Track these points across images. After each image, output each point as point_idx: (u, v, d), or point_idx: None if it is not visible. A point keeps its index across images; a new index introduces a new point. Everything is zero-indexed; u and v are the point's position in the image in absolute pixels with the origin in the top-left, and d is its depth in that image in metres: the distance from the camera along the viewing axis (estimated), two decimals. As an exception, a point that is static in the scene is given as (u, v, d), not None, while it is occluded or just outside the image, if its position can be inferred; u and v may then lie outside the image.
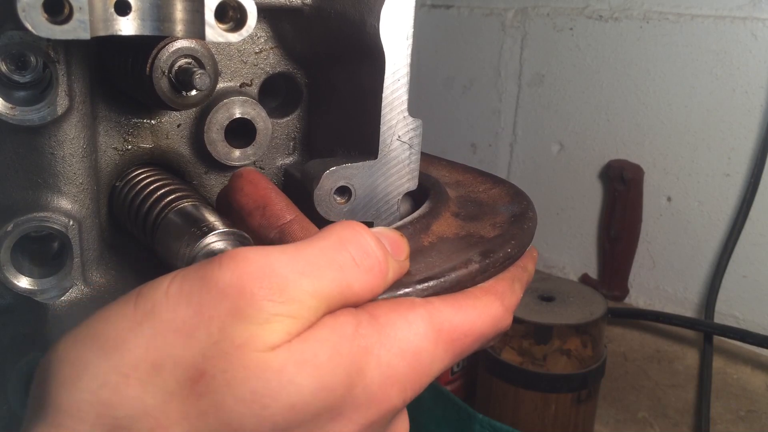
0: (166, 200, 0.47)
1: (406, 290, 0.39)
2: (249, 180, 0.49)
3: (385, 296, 0.38)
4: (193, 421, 0.29)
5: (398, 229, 0.46)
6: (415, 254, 0.44)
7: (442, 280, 0.40)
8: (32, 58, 0.42)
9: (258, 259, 0.32)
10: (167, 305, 0.30)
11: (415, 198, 0.52)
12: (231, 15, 0.39)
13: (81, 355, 0.29)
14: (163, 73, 0.44)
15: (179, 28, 0.38)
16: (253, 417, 0.29)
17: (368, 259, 0.35)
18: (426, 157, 0.59)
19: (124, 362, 0.29)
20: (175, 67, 0.45)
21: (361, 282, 0.35)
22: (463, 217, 0.50)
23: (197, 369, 0.29)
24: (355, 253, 0.35)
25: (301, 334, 0.32)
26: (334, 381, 0.32)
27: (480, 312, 0.39)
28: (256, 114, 0.51)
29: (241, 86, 0.54)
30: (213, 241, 0.42)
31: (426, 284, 0.40)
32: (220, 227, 0.42)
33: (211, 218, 0.44)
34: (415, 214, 0.49)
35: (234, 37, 0.39)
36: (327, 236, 0.35)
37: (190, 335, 0.30)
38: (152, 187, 0.49)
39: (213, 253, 0.42)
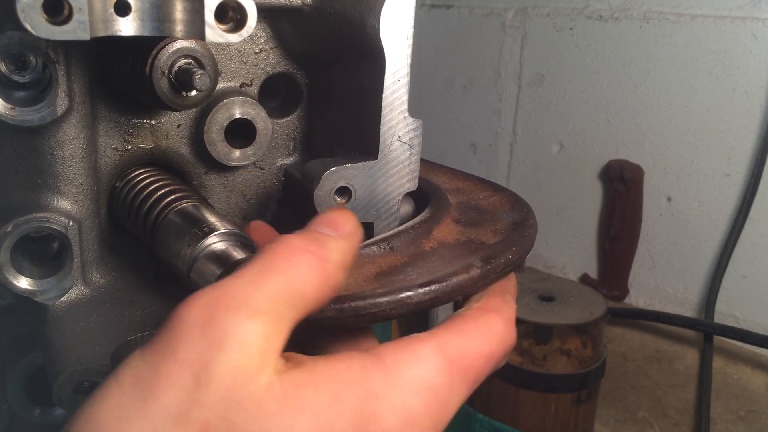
0: (166, 200, 0.47)
1: (408, 293, 0.39)
2: (255, 230, 0.49)
3: (386, 299, 0.38)
4: None
5: (399, 234, 0.46)
6: (416, 259, 0.44)
7: (443, 284, 0.40)
8: (32, 59, 0.42)
9: (210, 292, 0.32)
10: (148, 372, 0.30)
11: (417, 203, 0.52)
12: (231, 15, 0.39)
13: None
14: (163, 73, 0.44)
15: (179, 28, 0.38)
16: None
17: (296, 252, 0.35)
18: (426, 164, 0.59)
19: None
20: (175, 67, 0.45)
21: (302, 273, 0.34)
22: (464, 224, 0.50)
23: (201, 424, 0.29)
24: (284, 253, 0.34)
25: (296, 381, 0.31)
26: (341, 427, 0.31)
27: (484, 333, 0.39)
28: (256, 114, 0.51)
29: (241, 86, 0.54)
30: (214, 241, 0.42)
31: (428, 288, 0.40)
32: (221, 228, 0.42)
33: (212, 219, 0.44)
34: (417, 219, 0.49)
35: (234, 38, 0.39)
36: (258, 255, 0.35)
37: (182, 394, 0.29)
38: (152, 187, 0.49)
39: (214, 254, 0.42)
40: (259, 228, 0.50)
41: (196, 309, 0.31)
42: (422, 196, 0.52)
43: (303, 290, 0.34)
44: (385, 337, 0.85)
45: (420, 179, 0.51)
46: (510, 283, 0.45)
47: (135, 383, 0.30)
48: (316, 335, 0.42)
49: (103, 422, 0.29)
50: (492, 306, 0.41)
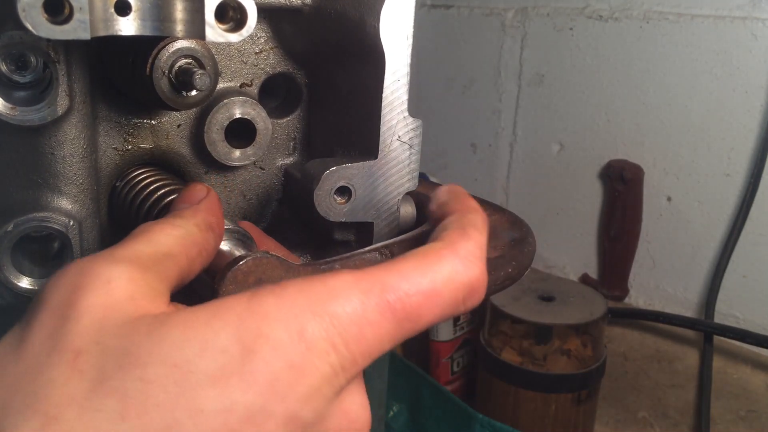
0: (166, 200, 0.47)
1: None
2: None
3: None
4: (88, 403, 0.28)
5: (401, 242, 0.46)
6: None
7: None
8: (32, 58, 0.42)
9: (73, 265, 0.33)
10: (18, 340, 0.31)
11: (418, 219, 0.52)
12: (231, 15, 0.39)
13: None
14: (164, 73, 0.44)
15: (179, 28, 0.38)
16: (138, 382, 0.28)
17: (155, 225, 0.37)
18: (427, 184, 0.60)
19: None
20: (176, 67, 0.45)
21: (162, 238, 0.35)
22: None
23: (74, 350, 0.29)
24: (143, 228, 0.36)
25: (172, 309, 0.31)
26: (218, 341, 0.29)
27: (426, 268, 0.34)
28: (256, 114, 0.51)
29: (241, 86, 0.54)
30: None
31: None
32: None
33: None
34: (419, 229, 0.49)
35: (234, 38, 0.39)
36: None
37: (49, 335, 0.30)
38: (152, 187, 0.49)
39: None
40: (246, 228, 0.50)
41: (66, 269, 0.32)
42: (423, 211, 0.52)
43: (166, 249, 0.35)
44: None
45: (422, 195, 0.51)
46: (476, 216, 0.40)
47: (12, 335, 0.31)
48: None
49: None
50: (447, 240, 0.36)
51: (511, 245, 0.50)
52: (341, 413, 0.32)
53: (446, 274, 0.34)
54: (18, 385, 0.29)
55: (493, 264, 0.45)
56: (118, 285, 0.31)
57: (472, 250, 0.36)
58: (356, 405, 0.33)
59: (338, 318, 0.31)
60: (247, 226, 0.50)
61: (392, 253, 0.45)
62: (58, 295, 0.31)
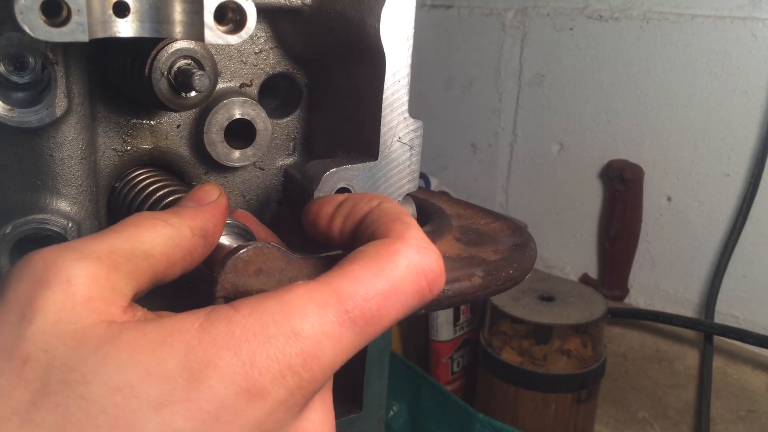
0: (166, 201, 0.47)
1: None
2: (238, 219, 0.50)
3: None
4: (27, 415, 0.28)
5: None
6: None
7: (444, 290, 0.40)
8: (31, 60, 0.42)
9: (40, 255, 0.32)
10: None
11: (418, 222, 0.52)
12: (230, 17, 0.39)
13: None
14: (163, 74, 0.44)
15: (178, 30, 0.38)
16: (79, 400, 0.28)
17: (145, 219, 0.36)
18: (427, 193, 0.60)
19: None
20: (175, 68, 0.44)
21: (147, 235, 0.34)
22: (465, 242, 0.51)
23: (22, 356, 0.29)
24: (132, 221, 0.35)
25: (127, 326, 0.30)
26: (165, 368, 0.28)
27: (379, 266, 0.33)
28: (256, 114, 0.51)
29: (240, 87, 0.53)
30: None
31: None
32: None
33: None
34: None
35: (233, 39, 0.38)
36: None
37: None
38: (152, 188, 0.49)
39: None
40: (241, 217, 0.50)
41: (33, 258, 0.32)
42: (425, 215, 0.52)
43: (146, 248, 0.34)
44: (384, 340, 0.85)
45: (421, 201, 0.51)
46: (393, 204, 0.39)
47: None
48: None
49: None
50: (393, 233, 0.35)
51: (513, 249, 0.50)
52: None
53: (404, 268, 0.33)
54: None
55: (495, 266, 0.45)
56: (78, 283, 0.30)
57: (420, 236, 0.35)
58: (316, 423, 0.32)
59: (295, 337, 0.30)
60: (243, 215, 0.50)
61: None
62: (19, 289, 0.31)
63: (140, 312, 0.32)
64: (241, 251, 0.36)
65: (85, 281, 0.31)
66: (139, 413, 0.28)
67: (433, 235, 0.49)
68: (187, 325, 0.30)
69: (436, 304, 0.40)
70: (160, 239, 0.35)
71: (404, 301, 0.33)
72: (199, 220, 0.38)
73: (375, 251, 0.34)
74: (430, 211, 0.54)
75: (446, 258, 0.47)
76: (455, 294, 0.41)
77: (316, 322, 0.30)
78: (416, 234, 0.35)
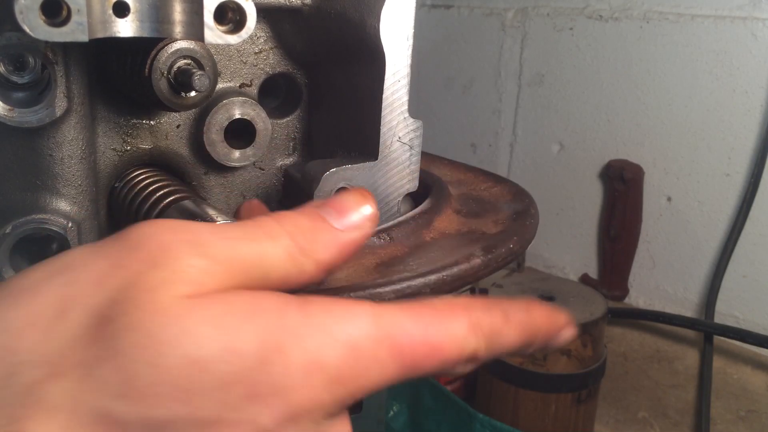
0: (166, 201, 0.47)
1: (409, 283, 0.38)
2: (247, 209, 0.49)
3: (386, 289, 0.37)
4: (88, 367, 0.27)
5: (400, 225, 0.46)
6: (417, 249, 0.44)
7: (444, 274, 0.40)
8: (31, 60, 0.42)
9: (176, 222, 0.32)
10: (83, 258, 0.30)
11: (417, 194, 0.52)
12: (230, 17, 0.39)
13: None
14: (162, 74, 0.44)
15: (178, 29, 0.38)
16: (149, 366, 0.27)
17: (279, 236, 0.33)
18: (427, 157, 0.59)
19: (30, 309, 0.29)
20: (174, 68, 0.44)
21: (273, 255, 0.32)
22: (464, 214, 0.50)
23: (103, 314, 0.28)
24: (268, 229, 0.33)
25: (214, 294, 0.30)
26: (244, 346, 0.29)
27: (440, 326, 0.33)
28: (256, 114, 0.51)
29: (240, 87, 0.53)
30: None
31: (428, 278, 0.39)
32: (221, 220, 0.42)
33: (212, 212, 0.43)
34: (417, 210, 0.49)
35: (233, 39, 0.38)
36: (246, 221, 0.34)
37: (101, 282, 0.29)
38: (152, 187, 0.49)
39: None
40: (252, 207, 0.49)
41: (152, 236, 0.31)
42: (423, 188, 0.52)
43: (267, 269, 0.32)
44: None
45: (421, 171, 0.50)
46: (522, 313, 0.38)
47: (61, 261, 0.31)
48: None
49: (14, 284, 0.30)
50: (464, 305, 0.36)
51: (513, 218, 0.49)
52: None
53: (453, 337, 0.34)
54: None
55: (495, 239, 0.45)
56: (185, 280, 0.30)
57: (487, 327, 0.35)
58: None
59: (353, 351, 0.31)
60: (255, 205, 0.50)
61: (391, 237, 0.45)
62: (134, 255, 0.30)
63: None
64: None
65: (194, 280, 0.30)
66: (206, 387, 0.28)
67: (432, 213, 0.48)
68: (268, 304, 0.30)
69: (437, 290, 0.39)
70: (282, 266, 0.33)
71: (441, 361, 0.34)
72: (334, 252, 0.34)
73: (443, 303, 0.35)
74: (429, 182, 0.53)
75: (445, 236, 0.46)
76: (455, 279, 0.40)
77: (376, 346, 0.31)
78: (486, 323, 0.35)
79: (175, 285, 0.29)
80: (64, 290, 0.29)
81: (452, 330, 0.34)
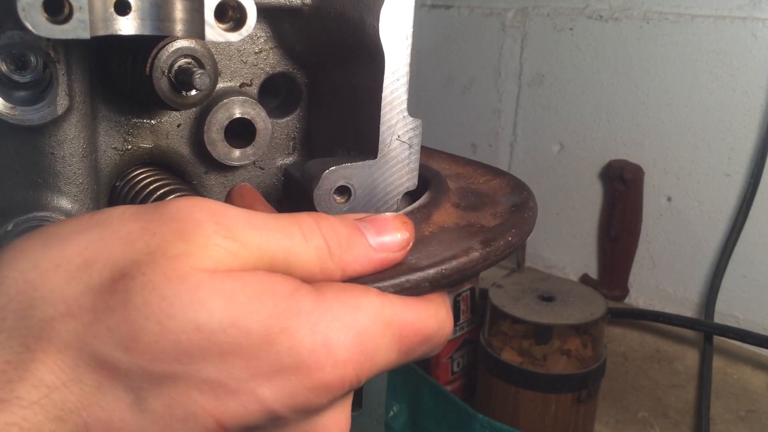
0: (166, 200, 0.47)
1: (407, 277, 0.38)
2: (238, 193, 0.50)
3: (384, 283, 0.37)
4: (99, 314, 0.29)
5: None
6: (415, 243, 0.44)
7: (442, 268, 0.40)
8: (32, 58, 0.42)
9: (212, 203, 0.33)
10: (119, 219, 0.32)
11: (416, 189, 0.52)
12: (231, 15, 0.39)
13: (27, 245, 0.31)
14: (163, 73, 0.44)
15: (179, 27, 0.38)
16: (155, 324, 0.29)
17: (315, 237, 0.34)
18: (426, 150, 0.59)
19: (60, 254, 0.30)
20: (175, 67, 0.45)
21: (303, 256, 0.34)
22: (463, 208, 0.50)
23: (123, 271, 0.30)
24: (307, 228, 0.34)
25: (232, 272, 0.31)
26: (251, 325, 0.30)
27: (431, 314, 0.37)
28: (256, 114, 0.51)
29: (240, 86, 0.54)
30: None
31: (427, 272, 0.39)
32: None
33: None
34: (416, 204, 0.49)
35: (234, 37, 0.39)
36: (286, 215, 0.35)
37: (129, 243, 0.31)
38: (152, 186, 0.49)
39: None
40: (243, 192, 0.50)
41: (187, 217, 0.32)
42: (422, 182, 0.52)
43: (291, 266, 0.33)
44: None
45: (420, 165, 0.50)
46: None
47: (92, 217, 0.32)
48: None
49: (50, 231, 0.32)
50: (440, 295, 0.40)
51: (512, 211, 0.49)
52: (321, 427, 0.34)
53: (439, 320, 0.38)
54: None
55: (493, 232, 0.45)
56: (216, 259, 0.31)
57: (450, 309, 0.40)
58: (338, 425, 0.35)
59: (361, 337, 0.33)
60: (247, 189, 0.51)
61: None
62: (164, 228, 0.31)
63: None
64: None
65: (217, 258, 0.31)
66: (207, 354, 0.29)
67: (431, 207, 0.48)
68: (281, 288, 0.32)
69: (435, 284, 0.40)
70: (308, 265, 0.34)
71: (430, 346, 0.38)
72: (361, 266, 0.36)
73: (435, 298, 0.39)
74: (427, 176, 0.53)
75: (444, 230, 0.46)
76: (454, 272, 0.40)
77: (382, 333, 0.34)
78: (449, 307, 0.41)
79: (199, 258, 0.30)
80: (95, 244, 0.31)
81: (437, 316, 0.38)
